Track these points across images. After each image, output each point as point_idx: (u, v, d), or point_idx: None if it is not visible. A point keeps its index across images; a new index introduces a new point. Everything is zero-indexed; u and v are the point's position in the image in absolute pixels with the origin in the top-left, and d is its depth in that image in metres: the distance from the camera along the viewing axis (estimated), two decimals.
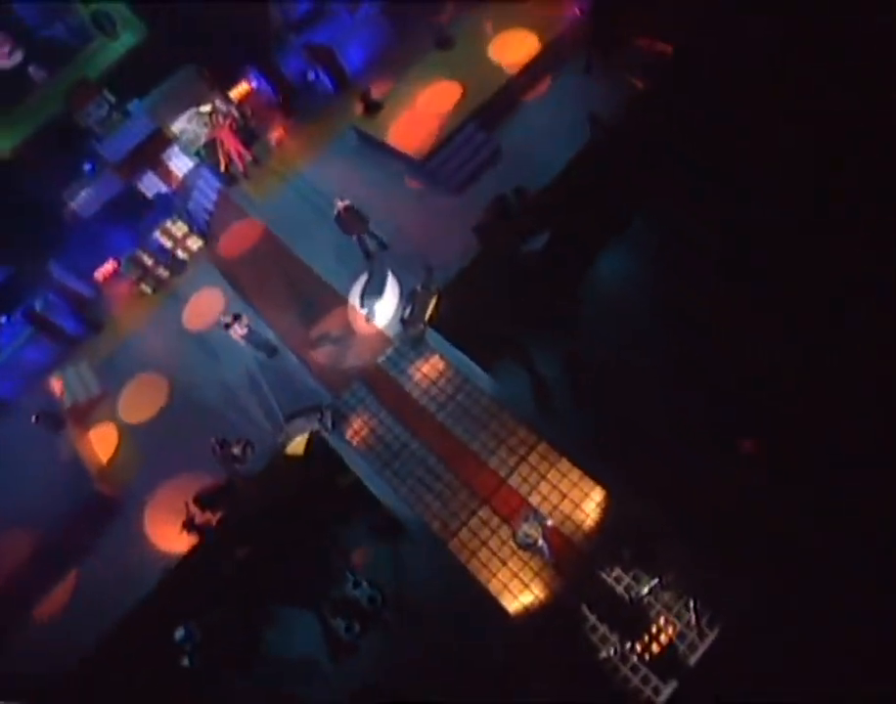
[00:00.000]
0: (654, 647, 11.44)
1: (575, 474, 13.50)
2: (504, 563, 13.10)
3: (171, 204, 23.57)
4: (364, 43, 23.41)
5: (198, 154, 23.18)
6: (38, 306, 22.11)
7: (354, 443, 15.72)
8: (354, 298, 17.95)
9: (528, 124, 19.55)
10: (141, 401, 19.14)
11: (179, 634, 14.57)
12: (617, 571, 12.22)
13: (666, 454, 12.81)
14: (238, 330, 17.29)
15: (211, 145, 22.79)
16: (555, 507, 13.26)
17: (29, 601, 16.59)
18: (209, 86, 23.02)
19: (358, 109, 21.51)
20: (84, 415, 19.52)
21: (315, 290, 18.79)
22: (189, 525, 15.34)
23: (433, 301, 16.31)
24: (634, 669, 11.40)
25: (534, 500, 13.49)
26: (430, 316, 16.30)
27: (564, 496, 13.34)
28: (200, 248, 22.25)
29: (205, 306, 20.46)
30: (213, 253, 21.98)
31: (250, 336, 17.61)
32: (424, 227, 18.49)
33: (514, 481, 13.92)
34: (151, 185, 24.05)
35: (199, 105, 22.51)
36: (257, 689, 14.93)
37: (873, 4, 15.12)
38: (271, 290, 19.57)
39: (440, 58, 21.46)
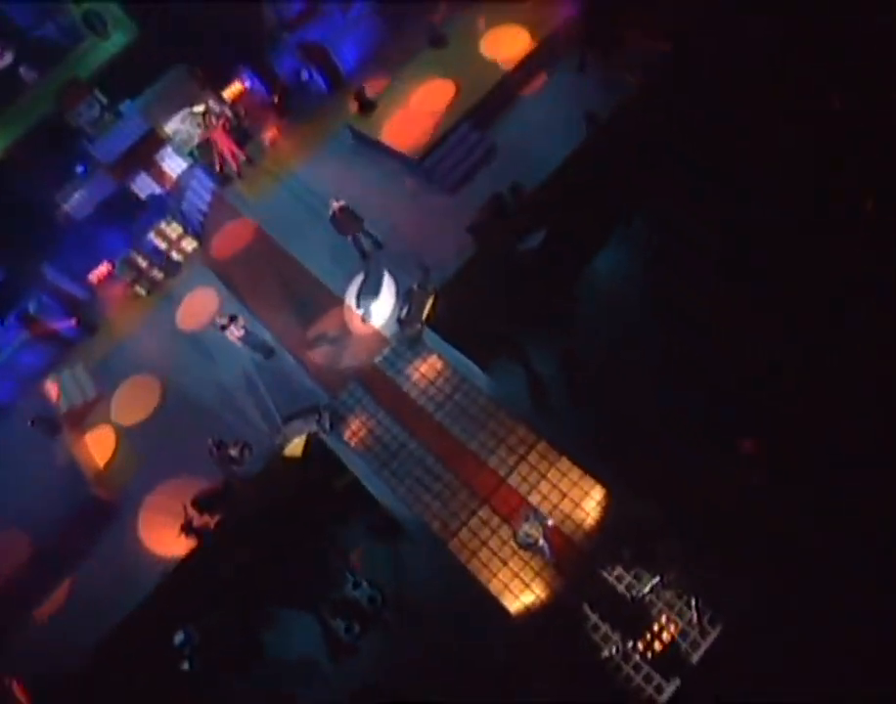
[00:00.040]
0: (657, 646, 11.47)
1: (575, 473, 13.51)
2: (505, 563, 13.11)
3: (165, 205, 23.43)
4: (357, 42, 23.32)
5: (191, 154, 23.08)
6: (32, 309, 21.98)
7: (352, 444, 15.70)
8: (350, 298, 17.92)
9: (523, 122, 19.53)
10: (135, 403, 19.08)
11: (178, 638, 14.57)
12: (619, 570, 12.25)
13: (666, 453, 12.83)
14: (234, 332, 17.24)
15: (205, 145, 22.68)
16: (555, 507, 13.27)
17: (26, 606, 16.52)
18: (201, 86, 22.92)
19: (353, 107, 21.45)
20: (80, 418, 19.42)
21: (310, 291, 18.74)
22: (187, 528, 15.30)
23: (430, 300, 16.29)
24: (636, 667, 11.43)
25: (534, 499, 13.50)
26: (427, 315, 16.28)
27: (565, 495, 13.36)
28: (194, 250, 22.15)
29: (199, 306, 20.42)
30: (208, 254, 21.88)
31: (247, 338, 17.56)
32: (419, 226, 18.46)
33: (513, 480, 13.93)
34: (144, 186, 23.90)
35: (192, 105, 22.38)
36: (257, 691, 14.93)
37: (873, 4, 15.14)
38: (266, 291, 19.50)
39: (434, 56, 21.42)
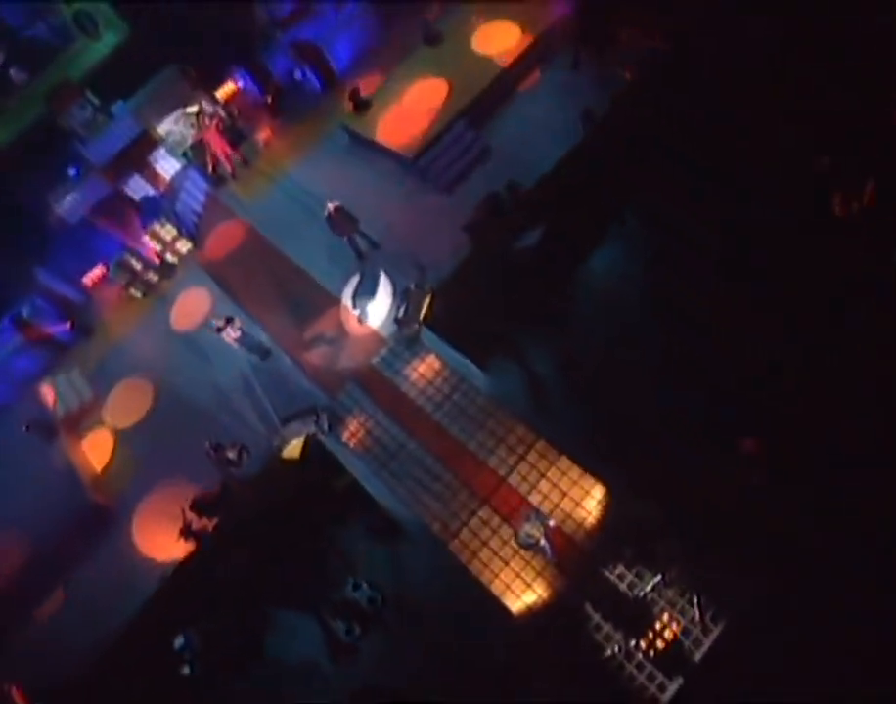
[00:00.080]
0: (659, 644, 11.50)
1: (575, 472, 13.53)
2: (506, 563, 13.12)
3: (159, 207, 23.34)
4: (351, 40, 23.23)
5: (185, 155, 23.00)
6: (26, 312, 21.84)
7: (351, 445, 15.68)
8: (347, 299, 17.88)
9: (517, 121, 19.49)
10: (132, 406, 19.01)
11: (178, 642, 14.53)
12: (620, 568, 12.28)
13: (666, 453, 12.80)
14: (231, 334, 17.18)
15: (198, 146, 22.61)
16: (555, 506, 13.29)
17: (24, 610, 16.45)
18: (194, 86, 22.80)
19: (347, 106, 21.37)
20: (77, 422, 19.34)
21: (307, 291, 18.70)
22: (186, 532, 15.26)
23: (427, 300, 16.25)
24: (639, 666, 11.46)
25: (534, 498, 13.52)
26: (425, 315, 16.24)
27: (565, 494, 13.37)
28: (189, 251, 22.07)
29: (192, 306, 20.38)
30: (202, 254, 21.82)
31: (243, 339, 17.51)
32: (414, 226, 18.42)
33: (513, 480, 13.94)
34: (138, 188, 23.79)
35: (185, 106, 22.29)
36: (258, 692, 14.90)
37: (873, 4, 15.14)
38: (262, 292, 19.45)
39: (428, 54, 21.37)
